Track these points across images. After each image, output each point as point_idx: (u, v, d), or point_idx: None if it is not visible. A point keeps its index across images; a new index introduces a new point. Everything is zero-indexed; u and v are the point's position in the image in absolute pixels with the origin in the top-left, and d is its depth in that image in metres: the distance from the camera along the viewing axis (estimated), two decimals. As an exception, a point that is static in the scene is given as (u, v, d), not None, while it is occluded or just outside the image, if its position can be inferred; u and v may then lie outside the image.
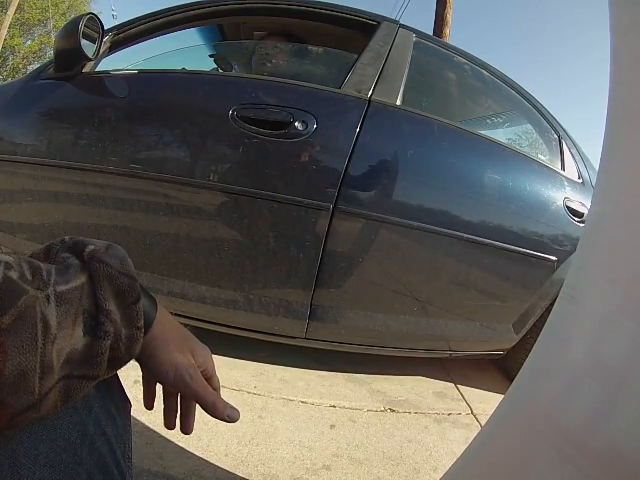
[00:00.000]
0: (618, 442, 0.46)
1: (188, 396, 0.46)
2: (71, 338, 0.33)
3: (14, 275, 0.30)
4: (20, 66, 15.97)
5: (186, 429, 0.50)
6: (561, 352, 0.59)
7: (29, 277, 0.31)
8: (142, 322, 0.39)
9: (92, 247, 0.38)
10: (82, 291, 0.34)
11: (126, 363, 0.39)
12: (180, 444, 1.04)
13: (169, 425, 0.51)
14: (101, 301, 0.35)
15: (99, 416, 0.40)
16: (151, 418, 1.07)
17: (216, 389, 0.48)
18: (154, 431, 1.05)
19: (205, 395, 0.44)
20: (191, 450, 1.04)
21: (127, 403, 0.45)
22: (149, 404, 0.52)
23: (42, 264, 0.34)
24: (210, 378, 0.48)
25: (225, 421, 0.45)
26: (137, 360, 0.43)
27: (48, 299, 0.31)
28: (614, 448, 0.46)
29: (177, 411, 0.50)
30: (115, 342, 0.36)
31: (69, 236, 0.40)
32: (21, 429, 0.33)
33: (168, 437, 1.05)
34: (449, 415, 1.47)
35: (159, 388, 0.49)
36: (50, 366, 0.31)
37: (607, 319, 0.53)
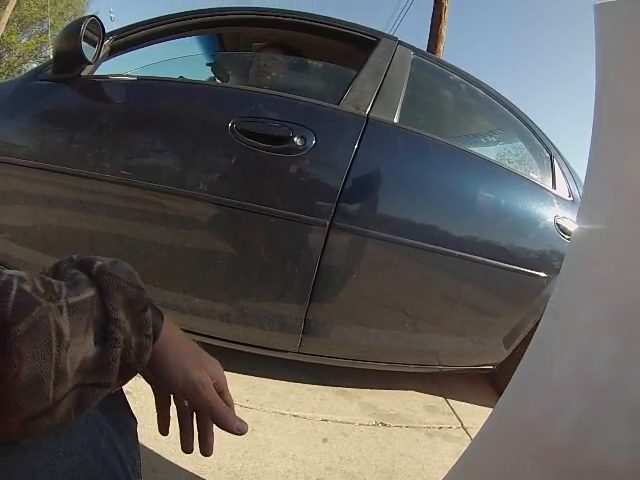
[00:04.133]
0: (604, 457, 0.47)
1: (200, 407, 0.46)
2: (83, 346, 0.33)
3: (28, 288, 0.31)
4: (15, 64, 15.76)
5: (206, 450, 0.49)
6: (547, 367, 0.60)
7: (42, 290, 0.32)
8: (151, 330, 0.39)
9: (100, 263, 0.39)
10: (92, 302, 0.35)
11: (137, 372, 0.40)
12: (173, 457, 1.04)
13: (187, 448, 0.50)
14: (111, 311, 0.36)
15: (110, 433, 0.41)
16: (144, 432, 1.05)
17: (228, 403, 0.48)
18: (148, 444, 1.05)
19: (217, 406, 0.45)
20: (184, 464, 1.03)
21: (134, 420, 0.46)
22: (164, 429, 0.52)
23: (53, 280, 0.35)
24: (222, 393, 0.47)
25: (234, 434, 0.45)
26: (147, 377, 0.44)
27: (61, 310, 0.32)
28: (600, 463, 0.47)
29: (194, 432, 0.50)
30: (125, 350, 0.37)
31: (76, 255, 0.41)
32: (38, 445, 0.34)
33: (161, 450, 1.05)
34: (440, 429, 1.48)
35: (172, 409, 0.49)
36: (64, 373, 0.31)
37: (592, 335, 0.54)
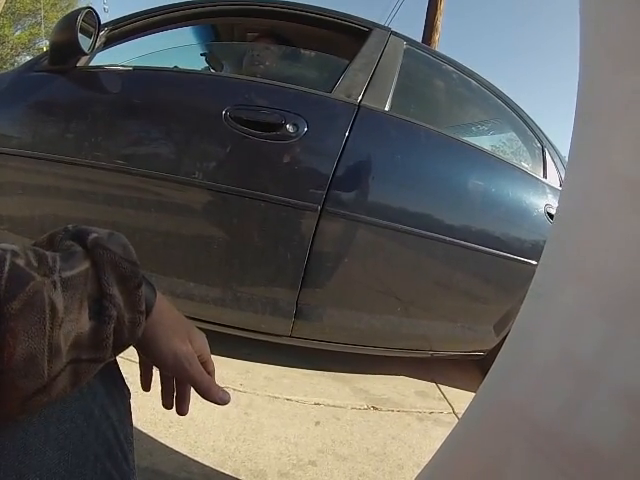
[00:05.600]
0: (590, 438, 0.47)
1: (185, 380, 0.48)
2: (78, 322, 0.33)
3: (21, 262, 0.30)
4: (8, 57, 15.57)
5: (182, 411, 0.52)
6: (530, 348, 0.60)
7: (35, 264, 0.32)
8: (144, 307, 0.39)
9: (95, 235, 0.38)
10: (87, 277, 0.35)
11: (129, 346, 0.40)
12: (168, 440, 1.06)
13: (167, 406, 0.52)
14: (105, 286, 0.36)
15: (103, 401, 0.41)
16: (139, 414, 1.08)
17: (211, 372, 0.49)
18: (144, 428, 1.07)
19: (201, 380, 0.46)
20: (179, 446, 1.05)
21: (127, 390, 0.47)
22: (146, 387, 0.53)
23: (47, 252, 0.34)
24: (205, 362, 0.49)
25: (217, 404, 0.47)
26: (135, 345, 0.43)
27: (54, 285, 0.32)
28: (586, 441, 0.47)
29: (174, 393, 0.52)
30: (118, 326, 0.37)
31: (72, 224, 0.40)
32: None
33: (156, 433, 1.06)
34: (431, 414, 1.51)
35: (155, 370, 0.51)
36: (58, 349, 0.31)
37: (574, 315, 0.54)
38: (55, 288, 0.32)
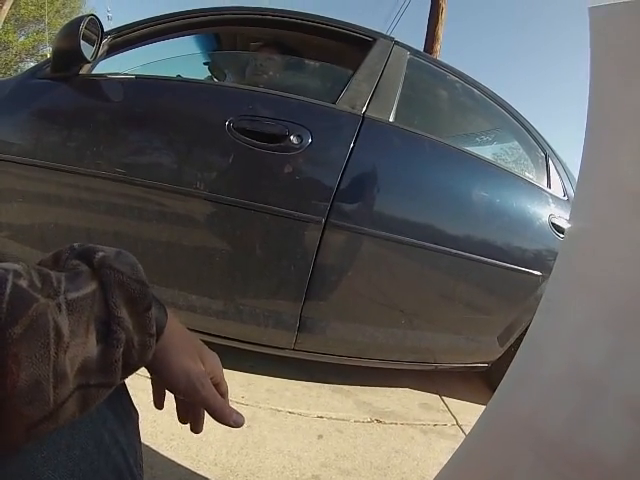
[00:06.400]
0: (596, 447, 0.48)
1: (198, 404, 0.47)
2: (84, 346, 0.32)
3: (24, 283, 0.29)
4: (12, 63, 15.63)
5: (196, 430, 0.51)
6: (540, 362, 0.60)
7: (39, 285, 0.30)
8: (154, 329, 0.38)
9: (102, 254, 0.37)
10: (93, 298, 0.34)
11: (139, 369, 0.39)
12: (170, 453, 1.05)
13: (182, 422, 0.52)
14: (113, 308, 0.35)
15: (113, 426, 0.40)
16: (140, 427, 1.06)
17: (223, 394, 0.48)
18: (145, 441, 1.05)
19: (214, 403, 0.45)
20: (181, 459, 1.04)
21: (135, 412, 0.46)
22: (159, 405, 0.52)
23: (51, 272, 0.33)
24: (218, 384, 0.48)
25: (231, 426, 0.46)
26: (147, 366, 0.42)
27: (59, 307, 0.31)
28: (592, 453, 0.48)
29: (188, 413, 0.50)
30: (128, 349, 0.36)
31: (78, 243, 0.39)
32: (39, 439, 0.32)
33: (158, 446, 1.05)
34: (435, 426, 1.49)
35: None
36: (64, 375, 0.30)
37: (584, 329, 0.55)
38: (60, 310, 0.31)
